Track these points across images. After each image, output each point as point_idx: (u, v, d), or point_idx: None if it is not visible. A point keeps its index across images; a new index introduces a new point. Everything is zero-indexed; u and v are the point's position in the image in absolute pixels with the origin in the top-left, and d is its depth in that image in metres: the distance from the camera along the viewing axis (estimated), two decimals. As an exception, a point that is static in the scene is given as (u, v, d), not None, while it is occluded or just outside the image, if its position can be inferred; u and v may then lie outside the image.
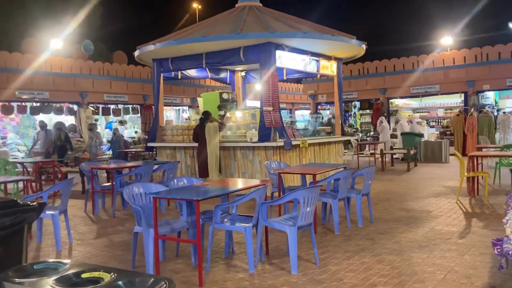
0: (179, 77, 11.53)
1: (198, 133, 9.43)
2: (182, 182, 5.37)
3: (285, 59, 9.64)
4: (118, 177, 7.57)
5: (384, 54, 21.68)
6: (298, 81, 28.92)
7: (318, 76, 12.01)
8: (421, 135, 16.56)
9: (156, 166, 8.38)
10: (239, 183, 5.75)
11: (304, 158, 10.13)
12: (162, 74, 11.00)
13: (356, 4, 39.28)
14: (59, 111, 17.89)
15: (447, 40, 19.32)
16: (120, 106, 20.69)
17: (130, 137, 21.30)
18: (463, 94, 19.37)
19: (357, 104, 24.24)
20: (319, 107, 24.45)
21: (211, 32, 9.14)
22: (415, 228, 6.28)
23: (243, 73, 13.21)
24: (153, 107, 21.91)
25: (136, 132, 21.64)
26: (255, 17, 9.72)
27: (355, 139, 14.40)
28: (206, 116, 9.45)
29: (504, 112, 18.44)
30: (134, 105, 21.04)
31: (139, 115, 21.35)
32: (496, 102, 21.30)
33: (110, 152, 19.91)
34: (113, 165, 7.92)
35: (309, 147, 10.04)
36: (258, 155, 9.38)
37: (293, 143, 9.30)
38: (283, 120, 9.62)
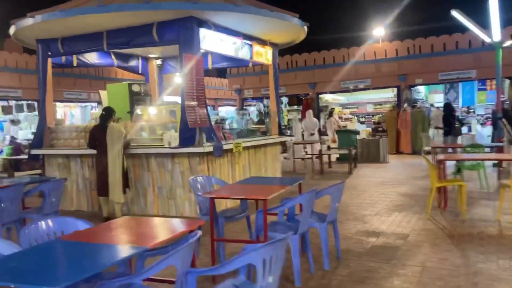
0: (75, 64, 8.98)
1: (97, 137, 7.08)
2: (46, 235, 3.12)
3: (212, 41, 7.55)
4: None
5: (313, 45, 20.28)
6: (220, 74, 26.89)
7: (250, 64, 10.08)
8: (358, 133, 15.29)
9: (29, 187, 5.92)
10: (153, 230, 3.42)
11: (237, 166, 8.13)
12: (50, 59, 8.41)
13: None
14: None
15: (379, 32, 18.29)
16: (12, 103, 17.34)
17: (25, 139, 17.98)
18: (395, 89, 18.49)
19: (284, 100, 22.79)
20: (245, 103, 22.61)
21: (111, 0, 6.80)
22: (401, 267, 4.53)
23: (159, 61, 10.92)
24: (54, 103, 18.86)
25: (33, 133, 18.32)
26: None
27: (291, 139, 12.62)
28: (107, 114, 7.14)
29: (437, 107, 17.78)
30: (29, 101, 17.76)
31: (36, 112, 18.07)
32: (426, 97, 20.85)
33: (2, 156, 16.56)
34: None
35: (243, 151, 8.06)
36: (179, 163, 7.23)
37: (225, 147, 7.27)
38: (210, 118, 7.53)
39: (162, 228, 3.21)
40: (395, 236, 5.69)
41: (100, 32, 7.75)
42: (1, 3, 24.33)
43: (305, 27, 8.52)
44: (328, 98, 20.86)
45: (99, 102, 20.17)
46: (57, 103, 18.83)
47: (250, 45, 8.75)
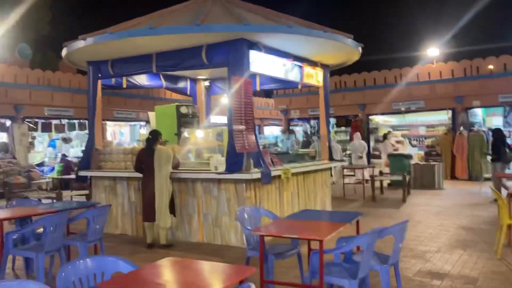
0: (124, 86, 8.98)
1: (144, 160, 6.93)
2: (86, 277, 2.86)
3: (261, 63, 7.30)
4: (11, 233, 4.94)
5: (364, 66, 19.73)
6: (266, 93, 26.73)
7: (299, 86, 9.73)
8: (411, 157, 14.54)
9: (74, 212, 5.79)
10: (200, 277, 2.91)
11: (285, 193, 7.76)
12: (100, 81, 8.44)
13: (328, 9, 36.18)
14: (-14, 127, 14.93)
15: (433, 52, 17.56)
16: (64, 121, 17.85)
17: (76, 157, 18.41)
18: (450, 111, 17.59)
19: (332, 121, 22.24)
20: (291, 123, 22.26)
21: (161, 22, 6.71)
22: (475, 320, 3.99)
23: (207, 83, 10.81)
24: (105, 122, 19.33)
25: (83, 151, 18.74)
26: (222, 8, 7.37)
27: (342, 165, 12.07)
28: (154, 137, 6.98)
29: (497, 131, 16.72)
30: (81, 120, 18.22)
31: (87, 131, 18.50)
32: (484, 120, 19.73)
33: (53, 174, 17.01)
34: (2, 213, 5.19)
35: (291, 177, 7.69)
36: (225, 190, 6.95)
37: (273, 173, 6.93)
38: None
39: (211, 276, 2.88)
40: (462, 279, 5.11)
41: (149, 54, 7.68)
42: (59, 25, 25.46)
43: (359, 49, 8.13)
44: (378, 119, 20.16)
45: (148, 122, 20.50)
46: (107, 122, 19.27)
47: (301, 67, 8.44)
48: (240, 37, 6.77)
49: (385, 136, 15.32)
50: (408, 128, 21.61)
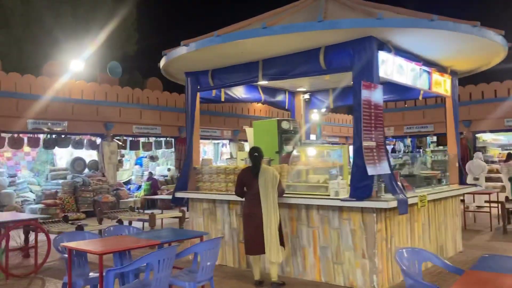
0: (222, 99, 8.16)
1: (246, 181, 5.95)
2: None
3: (390, 67, 6.08)
4: (112, 271, 4.07)
5: (468, 77, 17.78)
6: (350, 110, 25.18)
7: (420, 97, 8.34)
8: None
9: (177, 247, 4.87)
10: None
11: (417, 224, 6.41)
12: (198, 93, 7.67)
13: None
14: (78, 145, 14.93)
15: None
16: (151, 139, 17.65)
17: (162, 175, 18.13)
18: None
19: (430, 139, 20.27)
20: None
21: (275, 22, 5.74)
22: None
23: (307, 96, 9.76)
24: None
25: (169, 169, 18.45)
26: (340, 4, 6.29)
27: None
28: (260, 154, 5.97)
29: None
30: (167, 138, 17.95)
31: (173, 149, 18.20)
32: None
33: (140, 193, 16.77)
34: (100, 246, 4.34)
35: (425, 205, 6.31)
36: (349, 220, 5.74)
37: (409, 201, 5.64)
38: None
39: None
40: None
41: (255, 61, 6.77)
42: (144, 44, 25.89)
43: (506, 48, 6.65)
44: (486, 138, 17.96)
45: (231, 140, 19.87)
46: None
47: (429, 73, 7.11)
48: (368, 34, 5.63)
49: (510, 156, 13.28)
50: (523, 148, 19.14)
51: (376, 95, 5.67)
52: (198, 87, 7.57)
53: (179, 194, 7.51)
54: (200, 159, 7.96)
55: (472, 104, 17.08)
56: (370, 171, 5.37)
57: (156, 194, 16.06)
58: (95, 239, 4.94)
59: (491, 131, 17.25)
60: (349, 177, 5.94)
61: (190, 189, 7.54)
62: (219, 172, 7.18)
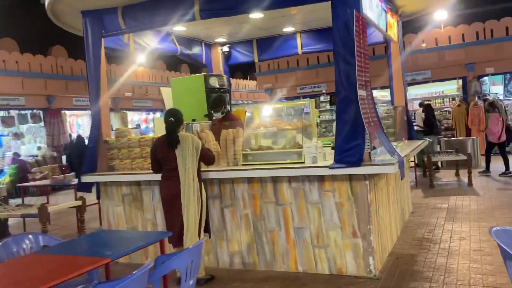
0: (131, 49, 6.28)
1: (160, 155, 4.59)
2: None
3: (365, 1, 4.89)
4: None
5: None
6: (245, 74, 24.17)
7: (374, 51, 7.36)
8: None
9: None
10: None
11: (390, 188, 5.51)
12: (103, 40, 5.68)
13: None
14: None
15: (441, 15, 15.80)
16: (13, 113, 14.52)
17: (31, 156, 15.09)
18: (460, 81, 16.03)
19: (324, 98, 20.17)
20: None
21: None
22: None
23: (225, 48, 8.26)
24: (63, 112, 16.00)
25: (39, 148, 15.48)
26: None
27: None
28: (177, 120, 4.50)
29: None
30: (34, 111, 14.93)
31: (42, 123, 15.22)
32: (488, 89, 18.46)
33: (4, 179, 13.63)
34: None
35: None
36: (333, 192, 4.55)
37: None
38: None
39: None
40: None
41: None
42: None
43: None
44: (376, 95, 18.31)
45: (112, 109, 17.36)
46: (66, 111, 16.04)
47: (386, 12, 6.13)
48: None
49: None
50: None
51: (363, 32, 4.46)
52: (103, 31, 5.58)
53: (87, 178, 5.57)
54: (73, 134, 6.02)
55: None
56: (369, 127, 4.20)
57: (26, 178, 13.23)
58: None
59: (382, 88, 17.57)
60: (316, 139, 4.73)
61: (101, 170, 5.65)
62: (143, 145, 5.42)
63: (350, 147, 4.35)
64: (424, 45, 15.63)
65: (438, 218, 6.70)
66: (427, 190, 9.07)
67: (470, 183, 9.17)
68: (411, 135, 7.15)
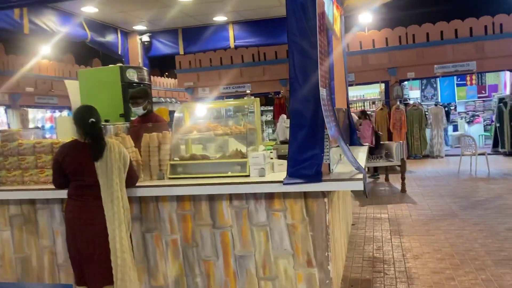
0: (26, 31, 5.00)
1: (73, 165, 3.50)
2: None
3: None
4: None
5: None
6: (162, 71, 22.71)
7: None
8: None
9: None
10: None
11: (340, 203, 4.81)
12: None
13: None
14: None
15: (366, 18, 15.77)
16: None
17: None
18: (382, 85, 16.16)
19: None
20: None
21: None
22: None
23: (146, 37, 7.17)
24: None
25: None
26: None
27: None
28: (99, 121, 3.51)
29: (435, 104, 15.80)
30: None
31: None
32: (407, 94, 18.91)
33: None
34: None
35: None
36: (284, 212, 3.72)
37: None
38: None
39: None
40: None
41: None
42: None
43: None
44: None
45: (8, 106, 15.22)
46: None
47: (333, 3, 5.46)
48: None
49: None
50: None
51: (321, 18, 3.69)
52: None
53: (-41, 195, 4.22)
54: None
55: (285, 63, 16.66)
56: (333, 135, 3.42)
57: None
58: None
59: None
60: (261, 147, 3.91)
61: (-20, 184, 4.34)
62: (41, 152, 4.20)
63: (306, 157, 3.54)
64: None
65: (382, 231, 6.18)
66: (361, 198, 8.62)
67: (403, 190, 8.89)
68: (353, 141, 6.57)
